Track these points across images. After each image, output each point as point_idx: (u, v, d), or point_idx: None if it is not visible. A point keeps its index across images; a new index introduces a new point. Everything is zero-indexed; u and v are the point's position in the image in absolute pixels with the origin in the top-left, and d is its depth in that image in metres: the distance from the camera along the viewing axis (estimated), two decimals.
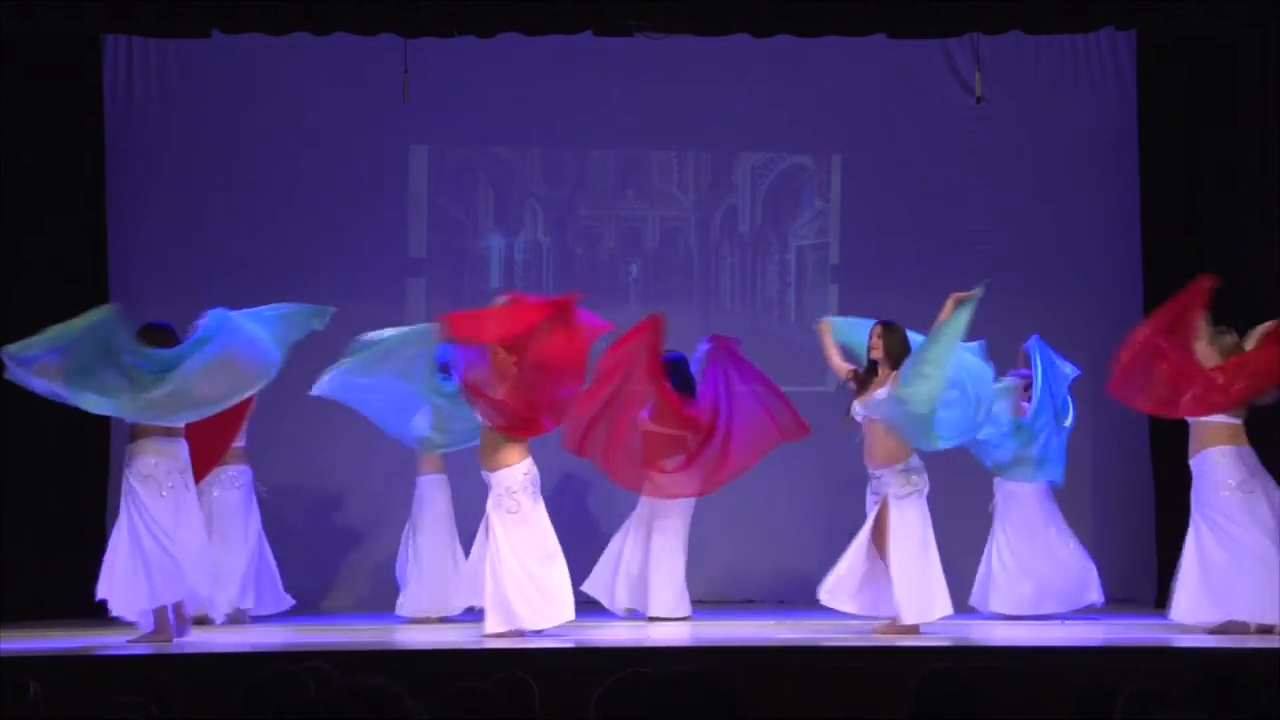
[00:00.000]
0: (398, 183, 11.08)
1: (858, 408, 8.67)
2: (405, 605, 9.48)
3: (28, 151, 10.17)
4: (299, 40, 9.92)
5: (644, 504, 9.64)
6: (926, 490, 8.62)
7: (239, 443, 9.53)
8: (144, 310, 9.83)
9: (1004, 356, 10.01)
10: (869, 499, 8.71)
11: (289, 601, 9.63)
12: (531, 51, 10.44)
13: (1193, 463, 8.60)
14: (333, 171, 10.93)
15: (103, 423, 10.17)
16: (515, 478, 8.42)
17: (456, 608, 9.28)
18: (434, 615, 9.37)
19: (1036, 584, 9.55)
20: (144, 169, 10.77)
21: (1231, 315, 9.78)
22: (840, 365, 8.93)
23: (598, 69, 10.92)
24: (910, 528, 8.57)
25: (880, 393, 8.59)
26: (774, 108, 11.15)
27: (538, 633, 8.38)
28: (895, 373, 8.61)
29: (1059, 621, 9.39)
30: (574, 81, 11.01)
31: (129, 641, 8.23)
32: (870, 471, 8.70)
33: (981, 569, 9.70)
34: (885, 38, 10.04)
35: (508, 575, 8.34)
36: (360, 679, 3.66)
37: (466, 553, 9.05)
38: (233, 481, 9.46)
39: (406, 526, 9.63)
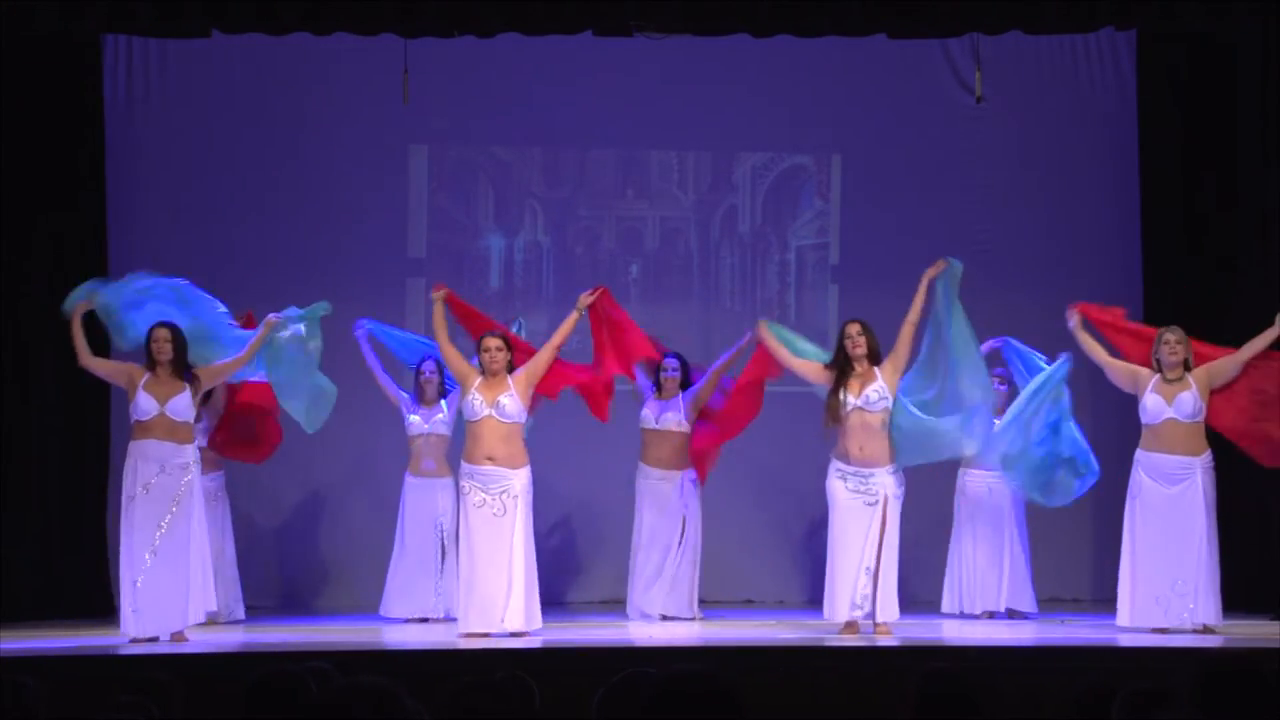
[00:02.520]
0: (398, 183, 11.08)
1: (854, 400, 8.54)
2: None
3: (28, 151, 10.17)
4: (299, 40, 9.92)
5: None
6: None
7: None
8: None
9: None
10: (853, 496, 8.53)
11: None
12: (531, 51, 10.44)
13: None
14: (333, 171, 10.93)
15: (102, 423, 10.19)
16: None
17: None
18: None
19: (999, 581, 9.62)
20: (144, 169, 10.77)
21: (1231, 317, 9.80)
22: (804, 365, 8.79)
23: (598, 69, 10.93)
24: (898, 529, 8.60)
25: (874, 389, 8.52)
26: (774, 108, 11.15)
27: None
28: (875, 368, 8.56)
29: (1059, 621, 9.40)
30: (574, 81, 11.01)
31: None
32: (860, 470, 8.53)
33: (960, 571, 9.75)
34: (885, 38, 10.04)
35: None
36: (360, 679, 3.66)
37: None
38: (213, 492, 9.44)
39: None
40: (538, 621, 8.46)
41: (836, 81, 11.10)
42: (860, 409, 8.49)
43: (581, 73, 10.96)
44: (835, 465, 8.58)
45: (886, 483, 8.51)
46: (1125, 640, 8.37)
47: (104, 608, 10.05)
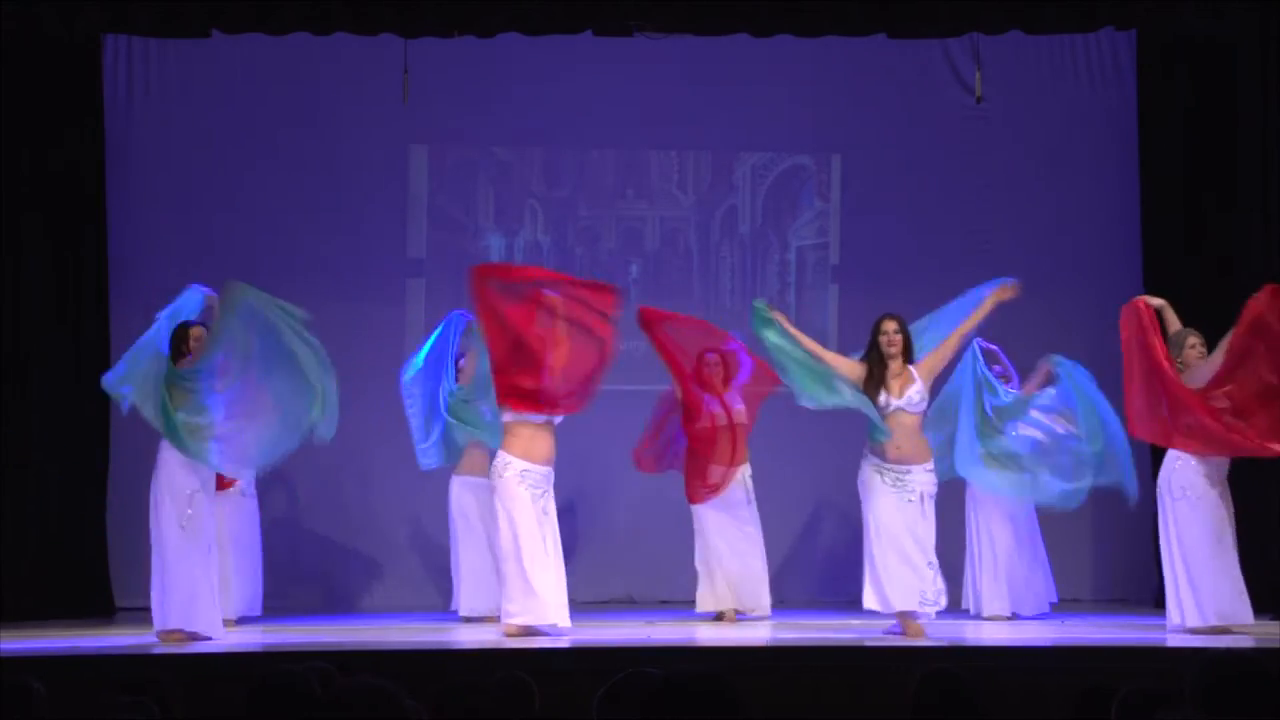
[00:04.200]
0: (398, 183, 11.08)
1: (896, 401, 8.44)
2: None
3: (28, 151, 10.18)
4: (299, 40, 9.93)
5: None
6: None
7: None
8: (144, 310, 9.85)
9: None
10: (891, 489, 8.42)
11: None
12: (531, 51, 10.44)
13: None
14: (333, 171, 10.93)
15: (103, 422, 10.19)
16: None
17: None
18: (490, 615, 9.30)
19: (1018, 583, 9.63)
20: (144, 169, 10.77)
21: (1231, 318, 9.79)
22: (837, 359, 8.67)
23: (598, 69, 10.93)
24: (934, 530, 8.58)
25: (915, 390, 8.45)
26: (774, 108, 11.15)
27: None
28: (910, 367, 8.49)
29: (1059, 621, 9.40)
30: (574, 81, 11.01)
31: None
32: (895, 467, 8.40)
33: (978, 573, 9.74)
34: (885, 38, 10.05)
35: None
36: (360, 679, 3.67)
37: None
38: (244, 489, 9.46)
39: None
40: None
41: (836, 81, 11.10)
42: (901, 409, 8.39)
43: (581, 73, 10.96)
44: (871, 459, 8.49)
45: (924, 480, 8.43)
46: (1125, 640, 8.37)
47: (104, 608, 10.05)
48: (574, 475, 10.73)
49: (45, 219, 10.24)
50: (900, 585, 8.33)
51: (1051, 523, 10.00)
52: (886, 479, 8.39)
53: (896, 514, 8.37)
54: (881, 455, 8.42)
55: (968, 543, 9.72)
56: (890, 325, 8.48)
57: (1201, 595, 8.49)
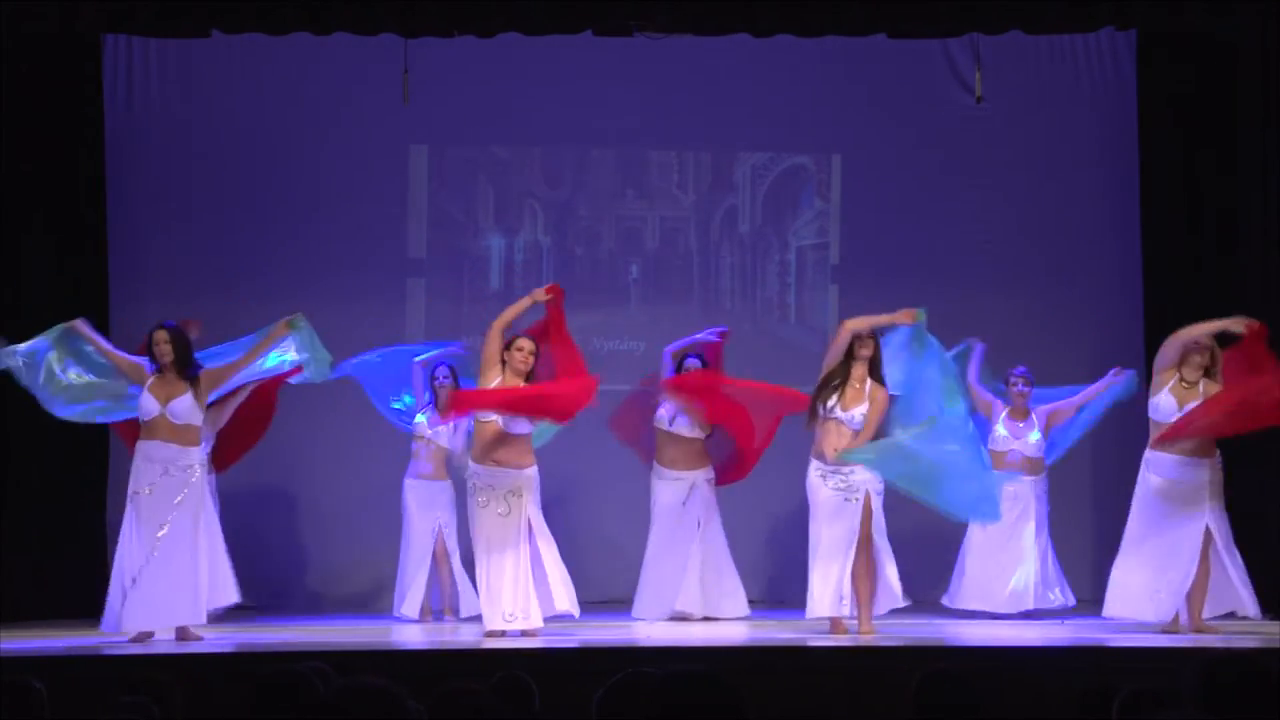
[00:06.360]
0: (398, 183, 11.08)
1: (840, 412, 8.55)
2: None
3: (28, 151, 10.16)
4: (299, 40, 9.93)
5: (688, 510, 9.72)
6: None
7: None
8: (144, 310, 9.87)
9: (999, 356, 10.03)
10: (834, 493, 8.57)
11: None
12: (531, 51, 10.44)
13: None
14: (333, 172, 10.93)
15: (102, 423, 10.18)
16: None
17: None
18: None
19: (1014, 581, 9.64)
20: (144, 169, 10.76)
21: (1231, 318, 9.79)
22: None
23: (598, 69, 10.92)
24: (883, 521, 8.69)
25: (859, 410, 8.55)
26: (774, 108, 11.14)
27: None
28: (871, 386, 8.58)
29: (1059, 621, 9.40)
30: (574, 81, 11.01)
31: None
32: (839, 468, 8.55)
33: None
34: (885, 38, 10.05)
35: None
36: (360, 679, 3.67)
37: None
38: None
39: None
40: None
41: (836, 81, 11.10)
42: (839, 421, 8.55)
43: (581, 73, 10.95)
44: (814, 464, 8.63)
45: (867, 478, 8.56)
46: (1125, 640, 8.37)
47: (103, 608, 10.04)
48: (573, 475, 10.73)
49: (45, 218, 10.23)
50: (827, 593, 8.52)
51: (1053, 523, 10.00)
52: (830, 482, 8.59)
53: (836, 522, 8.57)
54: (821, 458, 8.62)
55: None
56: (870, 336, 8.67)
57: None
